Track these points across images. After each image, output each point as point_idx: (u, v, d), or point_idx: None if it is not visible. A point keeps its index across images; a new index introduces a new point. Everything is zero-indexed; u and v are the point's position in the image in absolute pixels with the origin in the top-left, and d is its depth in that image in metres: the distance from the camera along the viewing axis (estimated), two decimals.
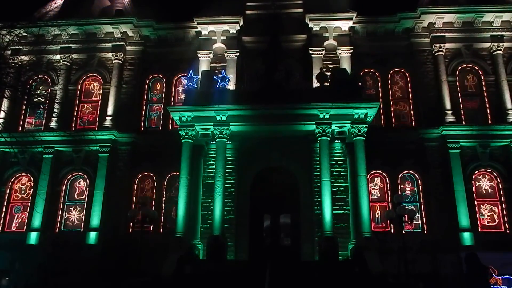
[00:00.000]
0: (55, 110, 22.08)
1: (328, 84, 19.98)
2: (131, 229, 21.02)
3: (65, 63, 23.88)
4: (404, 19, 22.88)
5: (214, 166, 20.11)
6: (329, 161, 19.33)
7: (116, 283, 16.66)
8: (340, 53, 22.60)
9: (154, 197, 21.83)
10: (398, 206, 17.66)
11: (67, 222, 21.86)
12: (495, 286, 18.56)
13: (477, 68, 22.58)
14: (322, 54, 22.66)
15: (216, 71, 22.18)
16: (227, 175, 20.19)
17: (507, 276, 18.67)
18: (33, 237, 20.91)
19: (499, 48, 22.28)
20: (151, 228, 20.58)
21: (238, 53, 23.10)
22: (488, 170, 21.03)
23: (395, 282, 15.81)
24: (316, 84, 20.82)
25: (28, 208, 21.85)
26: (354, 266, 16.41)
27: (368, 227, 18.14)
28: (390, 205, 20.53)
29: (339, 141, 20.87)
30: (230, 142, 20.49)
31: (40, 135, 21.28)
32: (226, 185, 19.86)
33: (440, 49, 22.45)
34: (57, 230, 21.53)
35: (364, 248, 17.34)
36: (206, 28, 23.39)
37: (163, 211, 21.61)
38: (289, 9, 23.77)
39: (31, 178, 22.52)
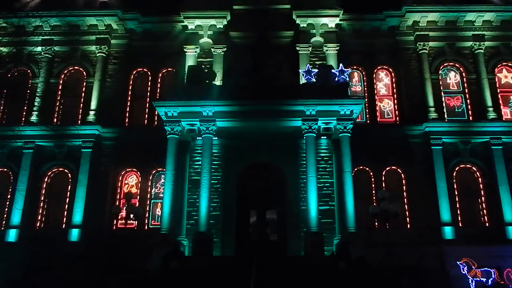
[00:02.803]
0: (36, 103, 21.50)
1: (315, 80, 20.09)
2: (115, 225, 20.76)
3: (47, 55, 23.25)
4: (390, 17, 23.18)
5: (200, 162, 20.01)
6: (315, 157, 19.49)
7: (102, 279, 16.43)
8: (326, 50, 22.75)
9: (139, 193, 21.53)
10: (382, 201, 17.92)
11: (48, 218, 21.37)
12: (474, 278, 19.08)
13: (459, 66, 23.08)
14: (309, 50, 22.77)
15: (203, 66, 22.01)
16: (213, 171, 20.11)
17: (486, 268, 19.20)
18: (12, 235, 20.36)
19: (480, 47, 22.83)
20: (136, 225, 20.30)
21: (225, 49, 22.95)
22: (469, 165, 21.55)
23: (380, 276, 16.05)
24: (303, 81, 20.89)
25: (7, 204, 21.21)
26: (339, 260, 16.57)
27: (353, 222, 18.39)
28: (374, 201, 20.77)
29: (325, 137, 21.02)
30: (216, 138, 20.39)
31: (20, 129, 20.67)
32: (212, 181, 19.79)
33: (424, 47, 22.84)
34: (37, 227, 21.03)
35: (349, 243, 17.53)
36: (193, 22, 23.12)
37: (148, 207, 21.37)
38: (277, 5, 23.73)
39: (10, 173, 21.88)
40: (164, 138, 19.72)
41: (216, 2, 23.14)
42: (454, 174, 21.42)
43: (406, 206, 21.07)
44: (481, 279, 19.16)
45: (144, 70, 23.68)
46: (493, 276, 19.12)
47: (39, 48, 23.03)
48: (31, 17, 20.67)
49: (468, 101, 22.45)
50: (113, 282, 15.89)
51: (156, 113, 21.21)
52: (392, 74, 23.28)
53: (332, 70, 20.29)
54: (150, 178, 21.81)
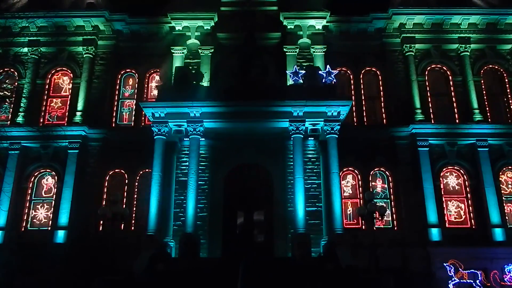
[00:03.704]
0: (22, 104, 21.37)
1: (302, 82, 20.13)
2: (101, 227, 20.63)
3: (33, 56, 23.11)
4: (376, 19, 23.28)
5: (187, 163, 19.92)
6: (302, 158, 19.47)
7: (87, 282, 16.29)
8: (314, 52, 22.79)
9: (125, 195, 21.36)
10: (369, 202, 17.97)
11: (34, 220, 21.14)
12: (461, 280, 19.14)
13: (445, 69, 23.21)
14: (296, 52, 22.79)
15: (190, 67, 21.98)
16: (200, 172, 20.06)
17: (473, 270, 19.26)
18: None
19: (466, 50, 22.99)
20: (122, 226, 20.18)
21: (213, 50, 22.93)
22: (455, 167, 21.62)
23: (366, 277, 16.07)
24: (290, 82, 20.95)
25: None
26: (326, 262, 16.56)
27: (340, 223, 18.39)
28: (361, 202, 20.79)
29: (313, 138, 21.05)
30: (203, 139, 20.33)
31: (5, 130, 20.38)
32: (199, 182, 19.71)
33: (411, 49, 22.98)
34: (23, 229, 20.81)
35: (336, 244, 17.52)
36: (180, 23, 23.10)
37: (134, 208, 21.22)
38: (264, 7, 23.74)
39: None
40: (151, 139, 19.64)
41: (203, 3, 23.10)
42: (441, 176, 21.47)
43: (392, 207, 21.11)
44: (468, 281, 19.21)
45: (131, 71, 23.60)
46: (479, 278, 19.19)
47: (25, 49, 22.95)
48: (18, 18, 20.58)
49: (455, 103, 22.56)
50: (98, 284, 15.74)
51: (143, 114, 21.16)
52: (379, 75, 23.36)
53: (319, 72, 20.35)
54: (137, 179, 21.67)
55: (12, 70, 23.25)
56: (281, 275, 15.50)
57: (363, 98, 22.97)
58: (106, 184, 21.68)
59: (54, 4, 23.51)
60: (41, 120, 22.49)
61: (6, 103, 21.07)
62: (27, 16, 20.11)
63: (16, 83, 22.75)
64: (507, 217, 20.87)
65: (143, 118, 22.30)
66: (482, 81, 22.97)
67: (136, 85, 23.40)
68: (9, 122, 22.24)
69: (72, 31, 23.45)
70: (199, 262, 17.84)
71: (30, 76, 22.81)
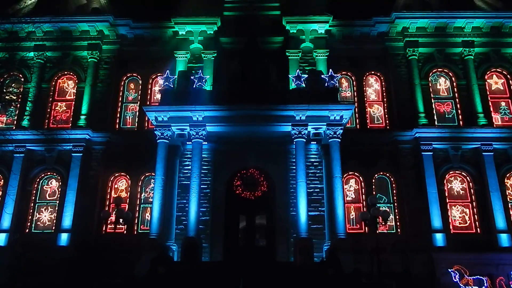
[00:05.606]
0: (27, 108, 21.67)
1: (305, 86, 20.13)
2: (104, 230, 20.69)
3: (39, 60, 23.44)
4: (379, 23, 23.24)
5: (190, 167, 20.03)
6: (305, 163, 19.44)
7: (87, 284, 16.36)
8: (316, 56, 22.79)
9: (128, 198, 21.50)
10: (372, 207, 17.86)
11: (38, 223, 21.34)
12: (466, 286, 18.90)
13: (449, 72, 23.10)
14: (298, 56, 22.82)
15: (193, 71, 22.05)
16: (203, 176, 20.11)
17: (478, 276, 19.00)
18: (1, 238, 20.32)
19: (470, 53, 22.84)
20: (125, 229, 20.36)
21: (215, 54, 23.04)
22: (460, 172, 21.42)
23: (369, 282, 15.94)
24: (292, 86, 20.93)
25: None
26: (328, 267, 16.45)
27: (343, 228, 18.29)
28: (364, 207, 20.68)
29: (315, 142, 21.01)
30: (206, 142, 20.42)
31: (11, 133, 20.67)
32: (202, 186, 19.79)
33: (414, 53, 22.90)
34: (27, 231, 21.00)
35: (338, 249, 17.40)
36: (183, 28, 23.27)
37: (137, 212, 21.31)
38: (267, 11, 23.88)
39: (1, 177, 21.95)
40: (154, 143, 19.74)
41: (206, 8, 23.30)
42: (445, 180, 21.26)
43: (396, 212, 20.94)
44: (473, 287, 18.95)
45: (135, 75, 23.81)
46: (485, 285, 18.94)
47: (31, 54, 23.27)
48: (24, 23, 20.89)
49: (459, 107, 22.40)
50: (98, 287, 15.80)
51: (146, 117, 21.26)
52: (382, 79, 23.32)
53: (322, 76, 20.32)
54: (140, 182, 21.79)
55: (18, 74, 23.63)
56: (283, 280, 15.43)
57: (365, 102, 22.92)
58: (109, 188, 21.82)
59: (60, 9, 23.82)
60: (46, 124, 22.75)
61: (12, 107, 21.51)
62: (33, 21, 20.42)
63: (21, 87, 23.07)
64: None
65: (146, 122, 22.44)
66: (486, 85, 22.80)
67: (140, 89, 23.61)
68: (14, 126, 22.58)
69: (77, 35, 23.76)
70: (200, 266, 17.87)
71: (35, 80, 23.13)
